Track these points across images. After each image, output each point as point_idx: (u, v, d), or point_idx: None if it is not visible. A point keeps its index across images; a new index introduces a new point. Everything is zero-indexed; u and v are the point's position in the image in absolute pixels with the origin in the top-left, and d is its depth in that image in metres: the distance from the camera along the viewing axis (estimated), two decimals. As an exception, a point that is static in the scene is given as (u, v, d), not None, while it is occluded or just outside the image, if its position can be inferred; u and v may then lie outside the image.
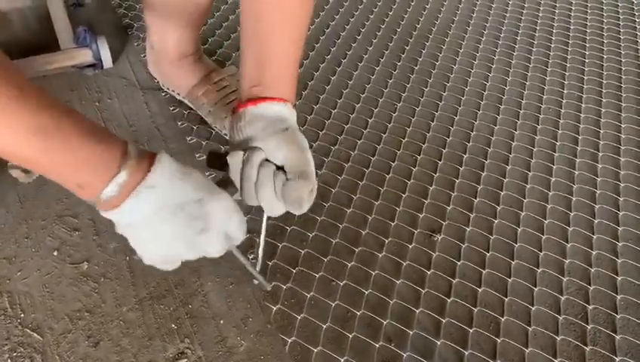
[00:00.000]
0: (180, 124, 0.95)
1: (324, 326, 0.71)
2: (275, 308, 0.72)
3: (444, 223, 0.86)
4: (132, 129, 0.93)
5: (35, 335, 0.68)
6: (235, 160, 0.59)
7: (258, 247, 0.72)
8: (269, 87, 0.60)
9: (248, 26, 0.62)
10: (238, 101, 0.62)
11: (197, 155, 0.90)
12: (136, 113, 0.96)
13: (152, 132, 0.93)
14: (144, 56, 1.02)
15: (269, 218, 0.69)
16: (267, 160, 0.58)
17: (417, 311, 0.74)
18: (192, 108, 0.97)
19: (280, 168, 0.58)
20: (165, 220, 0.49)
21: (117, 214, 0.49)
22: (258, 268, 0.72)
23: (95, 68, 0.99)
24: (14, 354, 0.66)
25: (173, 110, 0.97)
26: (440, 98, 1.08)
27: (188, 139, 0.92)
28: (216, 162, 0.62)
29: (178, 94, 0.97)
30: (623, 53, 1.26)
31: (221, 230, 0.53)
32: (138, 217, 0.49)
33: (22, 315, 0.69)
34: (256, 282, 0.74)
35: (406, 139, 0.99)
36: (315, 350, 0.69)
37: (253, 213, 0.80)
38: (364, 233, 0.83)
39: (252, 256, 0.77)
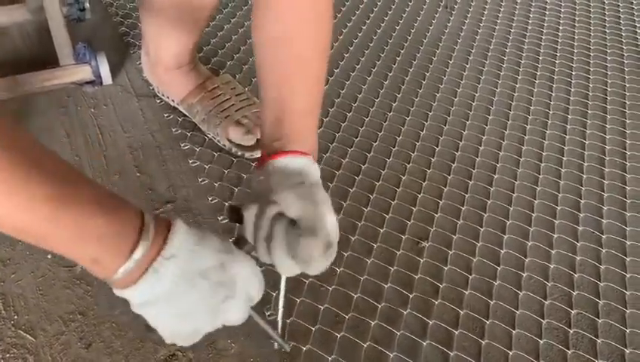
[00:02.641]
0: (174, 130, 0.96)
1: (314, 329, 0.73)
2: (266, 314, 0.74)
3: (431, 230, 0.87)
4: (126, 135, 0.94)
5: (29, 336, 0.69)
6: (248, 213, 0.56)
7: (277, 305, 0.68)
8: (290, 141, 0.58)
9: (265, 77, 0.60)
10: (263, 152, 0.60)
11: (190, 161, 0.92)
12: (131, 120, 0.97)
13: (147, 138, 0.94)
14: (140, 63, 1.04)
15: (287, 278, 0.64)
16: (281, 213, 0.54)
17: (405, 313, 0.76)
18: (186, 115, 0.98)
19: (295, 223, 0.53)
20: (188, 290, 0.46)
21: (134, 291, 0.45)
22: (279, 329, 0.68)
23: (94, 84, 1.00)
24: (7, 354, 0.67)
25: (167, 117, 0.98)
26: (430, 108, 1.11)
27: (182, 145, 0.94)
28: (235, 216, 0.58)
29: (173, 101, 0.99)
30: (609, 66, 1.29)
31: (244, 295, 0.50)
32: (158, 292, 0.45)
33: (15, 317, 0.70)
34: (275, 346, 0.69)
35: (396, 147, 1.01)
36: (304, 348, 0.71)
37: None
38: (353, 239, 0.84)
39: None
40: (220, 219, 0.84)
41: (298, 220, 0.53)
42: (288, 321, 0.73)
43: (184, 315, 0.47)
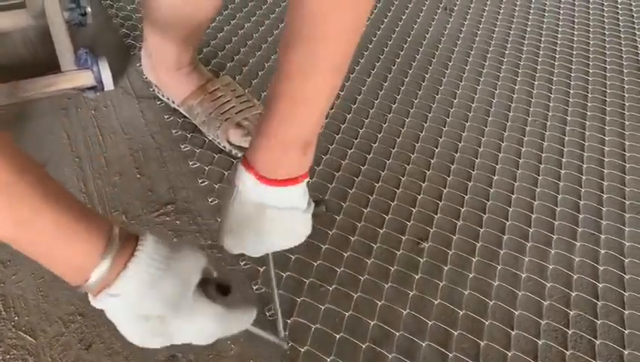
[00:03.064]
0: (174, 132, 0.97)
1: (313, 328, 0.73)
2: (267, 315, 0.74)
3: (431, 231, 0.88)
4: (127, 137, 0.95)
5: (29, 337, 0.69)
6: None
7: (274, 302, 0.73)
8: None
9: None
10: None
11: (190, 163, 0.92)
12: (132, 121, 0.97)
13: (147, 140, 0.95)
14: (140, 65, 1.04)
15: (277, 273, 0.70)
16: None
17: (404, 313, 0.76)
18: (186, 117, 0.99)
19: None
20: (132, 322, 0.48)
21: (93, 302, 0.48)
22: (280, 325, 0.71)
23: (96, 90, 0.99)
24: (7, 356, 0.67)
25: (167, 118, 0.99)
26: (429, 110, 1.11)
27: (182, 147, 0.94)
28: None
29: (173, 102, 0.99)
30: (607, 68, 1.29)
31: (188, 341, 0.51)
32: (110, 310, 0.48)
33: (16, 318, 0.70)
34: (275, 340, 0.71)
35: (395, 149, 1.01)
36: (302, 350, 0.71)
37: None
38: (353, 239, 0.85)
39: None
40: (219, 220, 0.84)
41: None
42: (289, 321, 0.73)
43: (133, 337, 0.50)
